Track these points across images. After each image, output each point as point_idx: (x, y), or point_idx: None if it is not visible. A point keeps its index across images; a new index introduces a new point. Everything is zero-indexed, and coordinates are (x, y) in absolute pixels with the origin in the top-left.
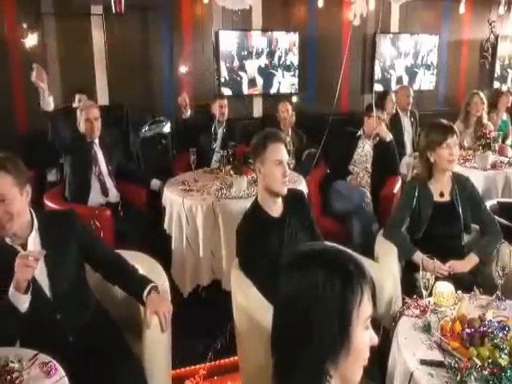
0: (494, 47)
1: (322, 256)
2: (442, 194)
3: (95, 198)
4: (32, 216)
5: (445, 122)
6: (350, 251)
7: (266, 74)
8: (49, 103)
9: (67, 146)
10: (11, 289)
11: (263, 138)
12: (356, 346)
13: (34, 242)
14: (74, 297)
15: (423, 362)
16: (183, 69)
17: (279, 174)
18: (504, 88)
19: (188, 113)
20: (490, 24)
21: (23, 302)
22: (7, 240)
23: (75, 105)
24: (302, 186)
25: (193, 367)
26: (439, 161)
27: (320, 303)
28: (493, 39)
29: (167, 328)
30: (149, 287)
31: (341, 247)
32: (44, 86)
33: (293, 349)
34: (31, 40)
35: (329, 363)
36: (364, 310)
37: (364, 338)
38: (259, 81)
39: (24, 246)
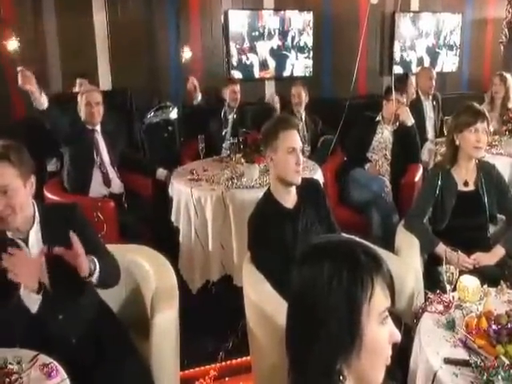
0: None
1: (333, 248)
2: (466, 183)
3: (97, 188)
4: (34, 209)
5: (478, 106)
6: (367, 243)
7: (279, 55)
8: (42, 102)
9: (66, 136)
10: (22, 289)
11: (274, 125)
12: (369, 343)
13: (35, 236)
14: (77, 295)
15: (447, 361)
16: (191, 51)
17: (292, 162)
18: None
19: (199, 97)
20: (510, 2)
21: (34, 303)
22: (8, 234)
23: (76, 90)
24: (318, 174)
25: (202, 368)
26: (464, 145)
27: (327, 297)
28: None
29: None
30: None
31: (358, 239)
32: (33, 88)
33: (303, 347)
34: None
35: (340, 362)
36: (376, 304)
37: (380, 334)
38: (271, 63)
39: (26, 241)
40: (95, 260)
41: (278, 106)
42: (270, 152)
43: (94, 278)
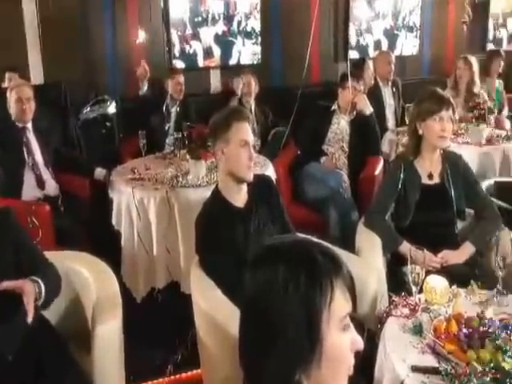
0: (484, 5)
1: (287, 249)
2: (430, 176)
3: (29, 191)
4: None
5: (442, 92)
6: (325, 244)
7: (224, 42)
8: None
9: None
10: None
11: (226, 116)
12: (330, 352)
13: None
14: (10, 308)
15: (415, 369)
16: (128, 40)
17: (245, 156)
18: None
19: (145, 87)
20: None
21: None
22: None
23: (5, 85)
24: (270, 170)
25: (150, 383)
26: (428, 135)
27: (282, 303)
28: None
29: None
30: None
31: (315, 239)
32: None
33: (258, 358)
34: None
35: (299, 372)
36: (336, 310)
37: (341, 341)
38: (216, 51)
39: None
40: (40, 282)
41: (239, 91)
42: (221, 144)
43: (40, 303)
